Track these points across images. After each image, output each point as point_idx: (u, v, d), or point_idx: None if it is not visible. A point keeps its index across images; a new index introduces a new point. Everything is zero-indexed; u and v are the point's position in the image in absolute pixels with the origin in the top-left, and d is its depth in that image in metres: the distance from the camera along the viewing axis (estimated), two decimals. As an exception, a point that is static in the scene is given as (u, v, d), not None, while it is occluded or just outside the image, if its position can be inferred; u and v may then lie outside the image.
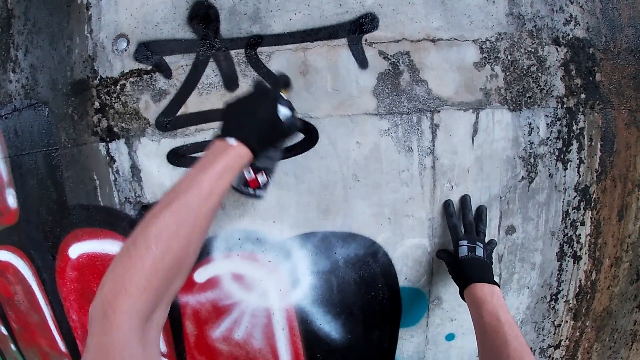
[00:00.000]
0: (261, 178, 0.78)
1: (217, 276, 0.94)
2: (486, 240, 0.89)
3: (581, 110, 0.93)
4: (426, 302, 0.95)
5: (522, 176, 0.91)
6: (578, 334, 1.07)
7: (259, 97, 0.73)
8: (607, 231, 1.00)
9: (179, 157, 0.90)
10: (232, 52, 0.86)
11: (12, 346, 1.39)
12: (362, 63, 0.84)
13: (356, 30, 0.84)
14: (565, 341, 1.06)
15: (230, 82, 0.87)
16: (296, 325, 0.95)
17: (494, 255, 0.94)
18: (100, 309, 0.48)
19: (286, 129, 0.73)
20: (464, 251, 0.84)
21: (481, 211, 0.90)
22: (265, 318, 0.95)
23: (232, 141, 0.66)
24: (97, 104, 0.93)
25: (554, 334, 1.05)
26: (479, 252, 0.84)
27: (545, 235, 0.96)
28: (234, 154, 0.65)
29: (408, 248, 0.90)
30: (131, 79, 0.91)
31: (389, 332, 0.96)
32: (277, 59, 0.85)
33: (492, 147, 0.88)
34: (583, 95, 0.93)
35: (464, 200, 0.89)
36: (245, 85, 0.86)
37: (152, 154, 0.91)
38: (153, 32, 0.88)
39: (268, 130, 0.70)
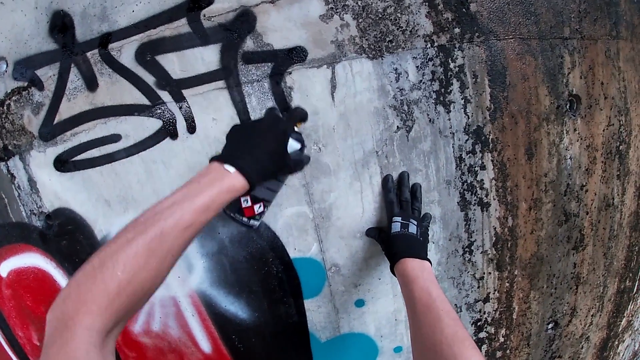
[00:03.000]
0: (258, 208, 0.74)
1: (120, 272, 0.96)
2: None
3: (457, 46, 0.86)
4: (323, 271, 0.92)
5: (398, 126, 0.86)
6: (507, 284, 0.99)
7: (269, 127, 0.68)
8: (515, 172, 0.92)
9: (63, 163, 0.94)
10: (89, 54, 0.89)
11: None
12: (204, 39, 0.83)
13: (194, 7, 0.83)
14: (494, 293, 0.99)
15: (90, 83, 0.90)
16: (203, 309, 0.96)
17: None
18: (62, 319, 0.49)
19: (292, 164, 0.69)
20: (396, 227, 0.83)
21: (415, 188, 0.88)
22: (174, 307, 0.97)
23: (230, 169, 0.62)
24: (-7, 127, 1.00)
25: (478, 287, 0.98)
26: (412, 229, 0.83)
27: (440, 186, 0.91)
28: (228, 184, 0.61)
29: (289, 218, 0.88)
30: (14, 98, 0.96)
31: (295, 305, 0.95)
32: (127, 52, 0.86)
33: (356, 100, 0.85)
34: (457, 30, 0.87)
35: (402, 176, 0.87)
36: (105, 83, 0.88)
37: (42, 165, 0.96)
38: (24, 49, 0.93)
39: (272, 163, 0.66)
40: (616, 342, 1.19)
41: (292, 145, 0.70)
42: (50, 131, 0.94)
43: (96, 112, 0.90)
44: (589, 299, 1.08)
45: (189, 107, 0.85)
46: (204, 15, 0.83)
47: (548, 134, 0.92)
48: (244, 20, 0.83)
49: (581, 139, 0.94)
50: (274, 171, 0.68)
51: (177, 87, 0.86)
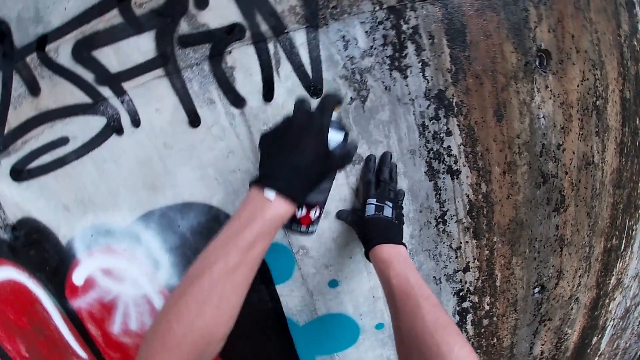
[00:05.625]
0: (314, 214, 0.69)
1: (90, 275, 0.96)
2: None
3: (409, 6, 0.81)
4: (291, 255, 0.89)
5: (351, 97, 0.82)
6: (487, 252, 0.95)
7: (302, 127, 0.59)
8: (485, 136, 0.87)
9: (18, 173, 0.92)
10: (27, 59, 0.86)
11: None
12: (137, 28, 0.80)
13: (123, -5, 0.80)
14: (474, 262, 0.95)
15: (32, 88, 0.87)
16: (176, 305, 0.94)
17: (345, 192, 0.86)
18: None
19: (338, 161, 0.61)
20: (370, 210, 0.80)
21: (391, 168, 0.84)
22: (147, 304, 0.96)
23: (270, 195, 0.55)
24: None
25: (456, 257, 0.94)
26: (387, 211, 0.79)
27: (404, 156, 0.86)
28: (272, 214, 0.55)
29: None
30: (-36, 113, 0.94)
31: (267, 291, 0.93)
32: (64, 52, 0.83)
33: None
34: (407, -12, 0.81)
35: (385, 156, 0.83)
36: (47, 86, 0.85)
37: (0, 177, 0.94)
38: (-33, 62, 0.90)
39: (315, 171, 0.59)
40: (607, 301, 1.15)
41: (334, 138, 0.61)
42: (1, 142, 0.92)
43: (42, 117, 0.88)
44: (575, 260, 1.03)
45: (131, 100, 0.83)
46: (135, 3, 0.80)
47: (517, 92, 0.87)
48: (176, 3, 0.79)
49: (554, 96, 0.89)
50: (319, 178, 0.61)
51: (116, 81, 0.83)
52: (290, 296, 0.93)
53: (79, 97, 0.84)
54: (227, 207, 0.85)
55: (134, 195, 0.86)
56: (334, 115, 0.62)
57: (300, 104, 0.62)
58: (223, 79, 0.80)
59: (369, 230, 0.78)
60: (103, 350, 1.05)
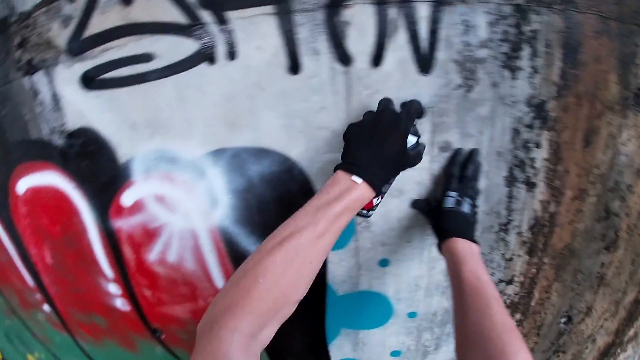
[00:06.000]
0: (376, 200, 0.74)
1: (141, 199, 0.94)
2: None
3: (534, 9, 0.77)
4: (353, 225, 0.88)
5: (458, 84, 0.79)
6: (534, 270, 0.95)
7: (389, 128, 0.67)
8: (569, 158, 0.86)
9: (90, 81, 0.88)
10: (126, -39, 0.81)
11: None
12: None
13: None
14: (518, 277, 0.95)
15: (125, -5, 0.82)
16: (223, 246, 0.93)
17: (425, 177, 0.85)
18: (208, 325, 0.53)
19: (411, 160, 0.70)
20: (450, 202, 0.80)
21: (476, 166, 0.83)
22: (192, 240, 0.94)
23: (357, 180, 0.63)
24: (17, 40, 0.93)
25: (505, 268, 0.94)
26: (465, 207, 0.79)
27: (490, 156, 0.85)
28: (357, 195, 0.63)
29: (327, 164, 0.83)
30: (43, 9, 0.89)
31: (316, 255, 0.91)
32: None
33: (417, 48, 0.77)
34: (537, -10, 0.77)
35: (473, 153, 0.82)
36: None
37: (67, 81, 0.90)
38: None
39: (394, 167, 0.68)
40: (619, 350, 1.17)
41: (410, 140, 0.70)
42: (79, 46, 0.87)
43: (129, 28, 0.83)
44: (606, 302, 1.04)
45: (233, 31, 0.79)
46: None
47: (609, 124, 0.85)
48: None
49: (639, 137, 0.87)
50: (396, 172, 0.71)
51: (221, 8, 0.78)
52: (338, 264, 0.93)
53: (175, 16, 0.80)
54: (304, 163, 0.84)
55: (211, 128, 0.83)
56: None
57: (387, 103, 0.71)
58: (335, 32, 0.77)
59: (447, 222, 0.78)
60: (132, 274, 1.04)
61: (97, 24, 0.85)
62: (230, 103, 0.82)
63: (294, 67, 0.79)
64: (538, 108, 0.83)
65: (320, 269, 0.90)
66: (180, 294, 1.03)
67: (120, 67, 0.86)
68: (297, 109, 0.81)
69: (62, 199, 1.03)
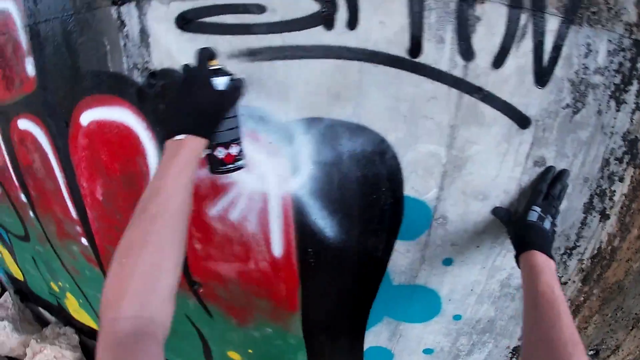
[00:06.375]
0: (233, 150, 0.77)
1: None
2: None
3: None
4: (430, 219, 0.88)
5: (567, 103, 0.78)
6: (582, 298, 0.97)
7: (189, 82, 0.73)
8: None
9: (187, 22, 0.84)
10: None
11: (31, 213, 1.48)
12: None
13: None
14: (566, 302, 0.96)
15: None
16: (291, 215, 0.92)
17: (512, 186, 0.85)
18: (99, 317, 0.55)
19: (230, 96, 0.74)
20: (533, 216, 0.80)
21: (563, 187, 0.83)
22: (261, 203, 0.93)
23: (180, 137, 0.68)
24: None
25: (558, 290, 0.95)
26: (547, 224, 0.80)
27: (577, 180, 0.85)
28: (186, 149, 0.67)
29: (420, 154, 0.82)
30: None
31: (385, 241, 0.91)
32: None
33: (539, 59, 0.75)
34: (659, 31, 0.76)
35: (563, 174, 0.83)
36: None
37: (161, 18, 0.86)
38: None
39: (210, 110, 0.71)
40: None
41: (220, 81, 0.72)
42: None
43: (245, -27, 0.79)
44: (635, 344, 1.07)
45: (357, 0, 0.76)
46: None
47: None
48: None
49: None
50: (218, 114, 0.73)
51: (353, -25, 0.75)
52: (403, 255, 0.93)
53: (299, -30, 0.76)
54: (399, 149, 0.82)
55: (312, 95, 0.81)
56: (215, 66, 0.75)
57: (184, 67, 0.78)
58: (464, 25, 0.75)
59: (529, 234, 0.79)
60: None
61: (208, -37, 0.81)
62: (339, 73, 0.79)
63: (415, 50, 0.77)
64: (631, 144, 0.84)
65: (384, 254, 0.91)
66: (232, 252, 1.02)
67: (225, 13, 0.83)
68: (406, 93, 0.79)
69: (129, 138, 1.00)
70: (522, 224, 0.81)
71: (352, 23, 0.77)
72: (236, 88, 0.75)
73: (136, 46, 0.92)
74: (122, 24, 0.92)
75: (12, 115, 1.26)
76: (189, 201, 0.66)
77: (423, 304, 0.99)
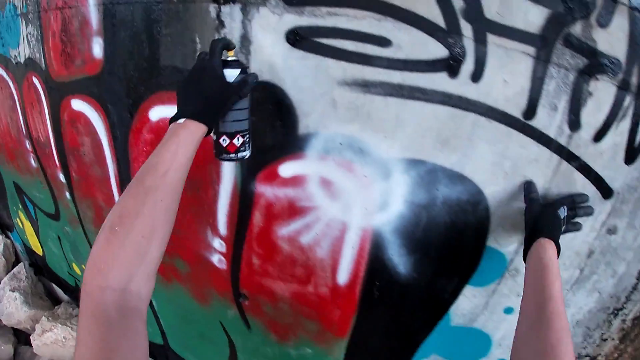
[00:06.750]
0: (237, 141, 0.78)
1: (304, 175, 0.90)
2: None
3: None
4: (504, 269, 0.91)
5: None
6: (616, 355, 1.04)
7: (199, 69, 0.73)
8: None
9: (300, 38, 0.82)
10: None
11: (67, 194, 1.39)
12: (536, -4, 0.75)
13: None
14: (602, 357, 1.03)
15: (386, -29, 0.77)
16: (367, 248, 0.92)
17: (584, 248, 0.90)
18: (83, 289, 0.54)
19: (237, 89, 0.74)
20: (561, 211, 0.81)
21: (589, 213, 0.85)
22: (339, 231, 0.92)
23: (180, 121, 0.69)
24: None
25: (597, 346, 1.02)
26: (562, 212, 0.81)
27: (638, 249, 0.90)
28: (186, 131, 0.68)
29: (511, 210, 0.85)
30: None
31: (455, 285, 0.94)
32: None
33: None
34: None
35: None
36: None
37: (269, 28, 0.84)
38: None
39: (216, 99, 0.72)
40: None
41: (231, 73, 0.73)
42: (303, -3, 0.81)
43: (375, 3, 0.79)
44: None
45: (486, 54, 0.78)
46: None
47: None
48: (584, 3, 0.75)
49: None
50: (222, 103, 0.73)
51: (485, 28, 0.77)
52: (468, 299, 0.96)
53: (433, 14, 0.77)
54: (493, 202, 0.85)
55: (420, 137, 0.82)
56: (231, 57, 0.76)
57: (199, 54, 0.77)
58: (577, 97, 0.79)
59: (545, 218, 0.78)
60: (249, 239, 1.01)
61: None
62: (452, 121, 0.81)
63: (529, 113, 0.80)
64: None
65: (449, 296, 0.94)
66: (292, 273, 1.01)
67: (345, 39, 0.82)
68: (512, 152, 0.82)
69: (203, 144, 0.95)
70: (544, 207, 0.80)
71: (477, 76, 0.79)
72: (246, 82, 0.75)
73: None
74: (221, 24, 0.89)
75: (65, 93, 1.17)
76: (183, 181, 0.67)
77: (474, 346, 1.02)
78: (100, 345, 0.49)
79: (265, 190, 0.94)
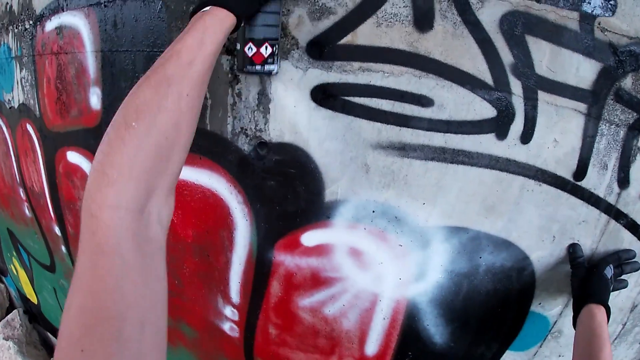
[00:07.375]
0: (264, 50, 0.68)
1: (330, 245, 0.80)
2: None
3: None
4: (546, 332, 0.86)
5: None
6: None
7: None
8: None
9: (327, 97, 0.72)
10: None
11: (63, 248, 1.29)
12: (588, 49, 0.68)
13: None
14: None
15: (422, 19, 0.68)
16: (400, 318, 0.84)
17: (627, 304, 0.85)
18: (86, 207, 0.41)
19: None
20: (607, 271, 0.77)
21: (635, 269, 0.81)
22: (368, 303, 0.83)
23: (206, 8, 0.56)
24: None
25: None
26: (609, 272, 0.77)
27: None
28: (210, 17, 0.55)
29: (557, 274, 0.79)
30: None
31: (495, 351, 0.87)
32: (491, 10, 0.67)
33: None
34: None
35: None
36: (442, 30, 0.68)
37: (291, 84, 0.73)
38: None
39: None
40: None
41: None
42: (331, 51, 0.71)
43: (414, 58, 0.70)
44: None
45: (536, 113, 0.70)
46: (599, 24, 0.68)
47: None
48: (634, 55, 0.69)
49: None
50: None
51: (535, 84, 0.69)
52: (509, 363, 0.89)
53: (480, 69, 0.69)
54: (539, 267, 0.79)
55: (463, 203, 0.74)
56: None
57: None
58: (627, 154, 0.74)
59: (594, 283, 0.75)
60: (265, 308, 0.90)
61: (368, 35, 0.70)
62: (499, 186, 0.73)
63: (580, 174, 0.74)
64: None
65: (489, 361, 0.87)
66: (314, 344, 0.91)
67: (381, 97, 0.72)
68: (561, 215, 0.76)
69: (215, 208, 0.84)
70: (591, 270, 0.77)
71: (527, 137, 0.71)
72: None
73: (250, 109, 0.77)
74: (235, 78, 0.77)
75: (60, 144, 1.03)
76: (209, 77, 0.55)
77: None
78: (113, 296, 0.36)
79: (285, 259, 0.83)
